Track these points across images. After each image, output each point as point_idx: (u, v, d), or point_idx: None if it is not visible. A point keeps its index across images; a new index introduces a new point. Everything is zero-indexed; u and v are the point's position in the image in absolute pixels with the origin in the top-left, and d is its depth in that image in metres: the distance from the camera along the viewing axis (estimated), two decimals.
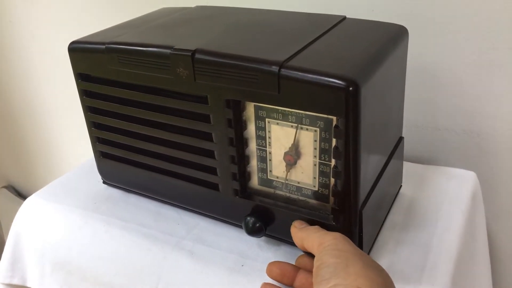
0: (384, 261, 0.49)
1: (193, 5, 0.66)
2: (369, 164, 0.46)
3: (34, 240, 0.63)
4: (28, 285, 0.65)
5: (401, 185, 0.60)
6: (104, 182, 0.65)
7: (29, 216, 0.65)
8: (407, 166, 0.62)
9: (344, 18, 0.54)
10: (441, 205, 0.57)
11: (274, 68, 0.42)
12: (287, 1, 0.72)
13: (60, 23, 1.01)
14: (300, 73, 0.41)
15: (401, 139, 0.57)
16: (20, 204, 0.67)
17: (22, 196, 1.48)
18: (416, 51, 0.62)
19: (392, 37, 0.49)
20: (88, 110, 0.58)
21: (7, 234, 0.66)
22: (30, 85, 1.18)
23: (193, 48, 0.46)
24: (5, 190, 1.50)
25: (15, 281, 0.65)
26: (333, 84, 0.39)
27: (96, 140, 0.60)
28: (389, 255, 0.50)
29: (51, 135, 1.24)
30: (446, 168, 0.64)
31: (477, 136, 0.67)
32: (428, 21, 0.64)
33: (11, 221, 0.66)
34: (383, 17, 0.59)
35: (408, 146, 0.66)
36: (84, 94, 0.57)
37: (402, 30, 0.51)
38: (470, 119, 0.66)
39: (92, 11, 0.95)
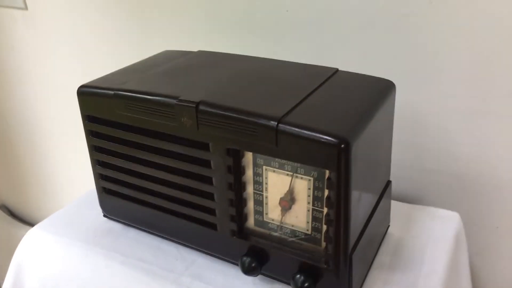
0: None
1: (195, 49, 0.70)
2: (359, 211, 0.49)
3: (35, 271, 0.65)
4: None
5: (388, 225, 0.63)
6: (104, 216, 0.68)
7: (30, 248, 0.67)
8: (394, 205, 0.66)
9: (337, 70, 0.58)
10: (426, 245, 0.60)
11: (273, 123, 0.45)
12: (283, 50, 0.76)
13: (62, 51, 1.05)
14: (296, 129, 0.44)
15: (389, 182, 0.61)
16: (13, 224, 0.69)
17: (16, 216, 1.49)
18: (404, 99, 0.66)
19: (381, 93, 0.53)
20: (94, 149, 0.61)
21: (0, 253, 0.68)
22: (29, 109, 1.20)
23: (197, 100, 0.49)
24: None
25: None
26: (326, 141, 0.43)
27: (100, 177, 0.63)
28: None
29: (47, 158, 1.26)
30: (431, 208, 0.68)
31: (460, 177, 0.71)
32: (414, 73, 0.68)
33: (3, 241, 0.68)
34: (372, 69, 0.63)
35: (396, 186, 0.69)
36: (91, 134, 0.60)
37: (389, 85, 0.55)
38: (455, 162, 0.70)
39: (93, 42, 0.99)
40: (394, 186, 0.65)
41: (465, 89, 0.66)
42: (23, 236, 0.67)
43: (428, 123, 0.70)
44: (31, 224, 1.37)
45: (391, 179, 0.61)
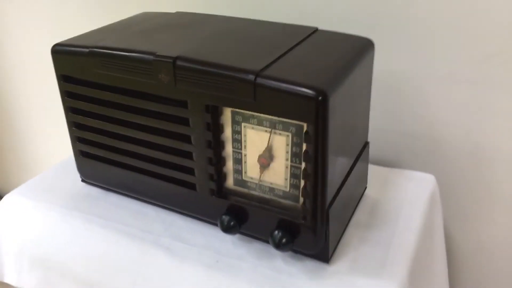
0: (348, 257, 0.53)
1: (173, 10, 0.69)
2: (336, 167, 0.50)
3: (12, 237, 0.65)
4: (6, 281, 0.66)
5: (366, 187, 0.64)
6: (82, 181, 0.67)
7: (7, 213, 0.66)
8: (372, 168, 0.67)
9: (316, 29, 0.58)
10: (401, 206, 0.62)
11: (251, 77, 0.45)
12: (263, 10, 0.76)
13: (36, 22, 1.02)
14: (274, 82, 0.44)
15: (366, 143, 0.61)
16: None
17: None
18: (382, 61, 0.67)
19: (359, 50, 0.53)
20: (70, 111, 0.60)
21: None
22: (2, 82, 1.17)
23: (174, 55, 0.49)
24: None
25: None
26: (304, 93, 0.43)
27: (77, 140, 0.62)
28: (353, 251, 0.54)
29: (24, 132, 1.24)
30: (407, 171, 0.69)
31: (436, 141, 0.72)
32: (393, 34, 0.68)
33: None
34: (352, 28, 0.63)
35: (373, 149, 0.70)
36: (66, 95, 0.59)
37: (368, 43, 0.55)
38: (431, 126, 0.71)
39: (69, 11, 0.96)
40: (371, 150, 0.66)
41: (442, 54, 0.67)
42: None
43: (405, 88, 0.71)
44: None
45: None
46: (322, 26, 0.59)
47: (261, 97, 0.45)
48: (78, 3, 0.94)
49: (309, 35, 0.56)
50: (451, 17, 0.65)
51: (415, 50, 0.68)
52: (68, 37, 0.58)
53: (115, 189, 0.64)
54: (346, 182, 0.53)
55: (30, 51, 1.07)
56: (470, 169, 0.72)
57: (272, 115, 0.47)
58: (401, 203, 0.62)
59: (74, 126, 0.61)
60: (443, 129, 0.71)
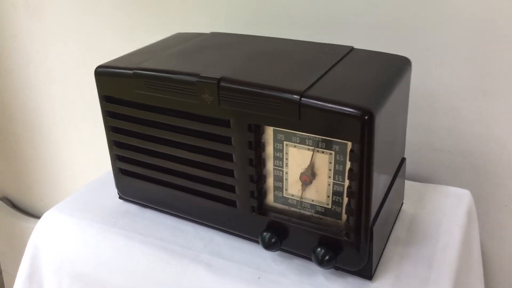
0: (391, 274, 0.53)
1: (203, 31, 0.70)
2: (379, 184, 0.50)
3: (52, 252, 0.66)
4: None
5: (402, 202, 0.65)
6: (120, 198, 0.68)
7: (48, 229, 0.67)
8: (407, 184, 0.67)
9: (352, 48, 0.59)
10: (439, 221, 0.62)
11: (296, 97, 0.46)
12: (289, 29, 0.77)
13: (65, 40, 1.04)
14: (319, 102, 0.45)
15: (403, 159, 0.62)
16: (15, 216, 0.69)
17: (18, 208, 1.49)
18: (416, 77, 0.67)
19: (398, 68, 0.54)
20: (111, 130, 0.61)
21: (2, 244, 0.68)
22: (32, 98, 1.20)
23: (218, 76, 0.50)
24: (0, 202, 1.51)
25: None
26: (350, 113, 0.44)
27: (116, 158, 0.63)
28: (395, 268, 0.54)
29: (49, 148, 1.26)
30: (442, 186, 0.69)
31: (470, 156, 0.72)
32: (427, 52, 0.69)
33: (7, 233, 0.68)
34: (385, 46, 0.64)
35: (408, 165, 0.70)
36: (108, 115, 0.60)
37: (406, 61, 0.56)
38: (464, 141, 0.72)
39: (97, 30, 0.99)
40: (406, 166, 0.66)
41: (476, 67, 0.67)
42: (25, 227, 0.68)
43: (438, 103, 0.71)
44: (34, 215, 1.37)
45: None
46: (354, 44, 0.60)
47: (306, 116, 0.46)
48: (108, 23, 0.97)
49: (346, 54, 0.57)
50: (484, 31, 0.65)
51: (447, 64, 0.69)
52: (98, 56, 0.59)
53: (153, 206, 0.65)
54: (387, 199, 0.54)
55: (57, 68, 1.10)
56: (505, 183, 0.72)
57: (316, 134, 0.47)
58: (438, 218, 0.62)
59: (115, 145, 0.62)
60: (477, 144, 0.71)
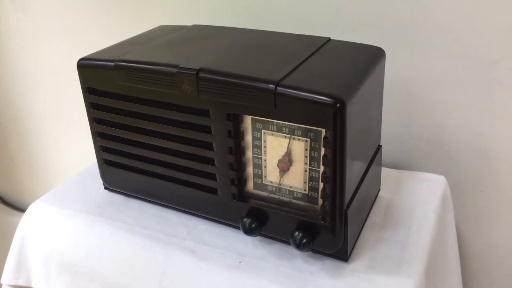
0: (366, 257, 0.55)
1: (186, 23, 0.71)
2: (353, 170, 0.52)
3: (39, 243, 0.67)
4: (33, 286, 0.68)
5: (379, 189, 0.67)
6: (105, 188, 0.70)
7: (34, 220, 0.68)
8: (384, 171, 0.69)
9: (329, 39, 0.61)
10: (414, 206, 0.64)
11: (271, 87, 0.48)
12: (272, 21, 0.78)
13: (51, 35, 1.05)
14: (294, 91, 0.47)
15: (379, 147, 0.64)
16: (4, 211, 0.70)
17: (6, 203, 1.49)
18: (393, 67, 0.69)
19: (371, 58, 0.56)
20: (94, 121, 0.63)
21: None
22: (18, 93, 1.20)
23: (197, 67, 0.51)
24: None
25: (20, 282, 0.69)
26: (323, 101, 0.46)
27: (101, 149, 0.65)
28: (370, 251, 0.56)
29: (38, 144, 1.27)
30: (419, 173, 0.71)
31: (446, 144, 0.74)
32: (403, 40, 0.71)
33: None
34: (362, 37, 0.66)
35: (385, 153, 0.73)
36: (91, 106, 0.62)
37: (380, 52, 0.58)
38: (440, 129, 0.74)
39: (82, 25, 0.99)
40: (383, 154, 0.68)
41: (452, 58, 0.69)
42: (14, 222, 0.69)
43: (414, 92, 0.73)
44: (23, 210, 1.38)
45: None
46: (332, 35, 0.62)
47: (281, 105, 0.48)
48: (93, 18, 0.97)
49: (323, 45, 0.58)
50: (459, 22, 0.67)
51: (424, 55, 0.71)
52: (84, 50, 0.60)
53: (138, 196, 0.67)
54: (362, 184, 0.56)
55: (44, 62, 1.10)
56: (480, 170, 0.74)
57: (291, 122, 0.49)
58: (414, 203, 0.64)
59: (99, 136, 0.64)
60: (452, 132, 0.73)
